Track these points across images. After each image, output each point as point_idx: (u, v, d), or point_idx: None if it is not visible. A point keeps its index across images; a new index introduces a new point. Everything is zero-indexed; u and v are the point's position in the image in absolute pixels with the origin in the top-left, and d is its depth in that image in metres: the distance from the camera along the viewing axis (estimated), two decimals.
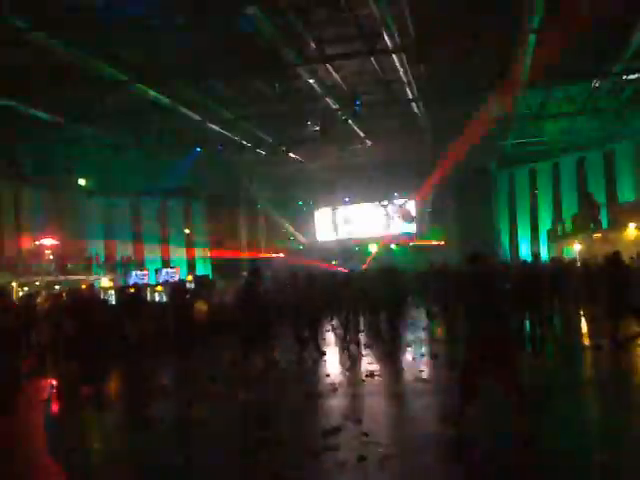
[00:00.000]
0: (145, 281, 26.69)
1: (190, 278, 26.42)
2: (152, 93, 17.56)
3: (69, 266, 25.52)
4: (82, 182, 26.86)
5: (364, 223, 34.32)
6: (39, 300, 15.76)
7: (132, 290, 17.34)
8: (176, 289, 13.17)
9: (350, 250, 32.40)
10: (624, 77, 19.79)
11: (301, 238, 34.74)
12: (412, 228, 33.78)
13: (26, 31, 13.12)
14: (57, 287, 23.63)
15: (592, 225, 22.21)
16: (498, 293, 6.26)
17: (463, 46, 16.15)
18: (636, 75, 19.62)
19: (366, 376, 9.25)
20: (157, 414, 7.86)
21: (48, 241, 24.76)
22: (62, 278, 24.53)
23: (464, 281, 8.36)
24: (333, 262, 30.85)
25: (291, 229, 34.36)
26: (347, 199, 34.18)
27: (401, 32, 14.83)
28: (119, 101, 18.98)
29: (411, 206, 33.84)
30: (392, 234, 33.52)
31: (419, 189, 32.22)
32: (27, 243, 24.35)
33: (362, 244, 32.84)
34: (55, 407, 9.07)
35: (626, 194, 25.52)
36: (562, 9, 14.21)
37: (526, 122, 24.54)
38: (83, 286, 23.09)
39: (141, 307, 13.85)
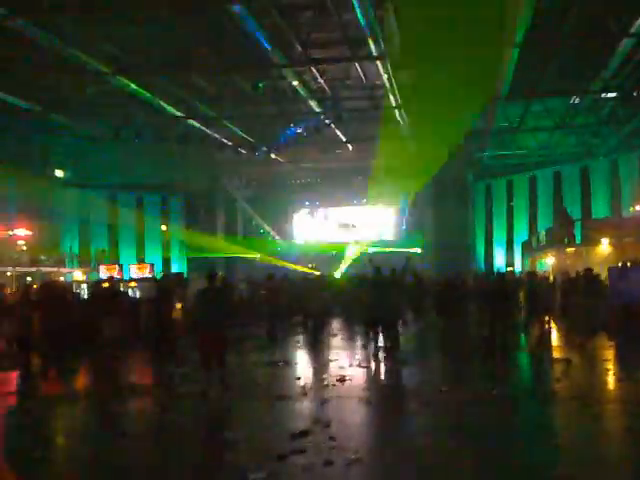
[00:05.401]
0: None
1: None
2: (133, 86, 17.42)
3: (42, 258, 25.12)
4: (58, 173, 26.51)
5: (342, 227, 34.46)
6: (8, 291, 15.50)
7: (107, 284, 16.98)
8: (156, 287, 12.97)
9: (326, 254, 32.30)
10: (602, 95, 20.17)
11: (279, 240, 34.65)
12: (390, 235, 33.98)
13: (5, 18, 12.95)
14: (29, 278, 23.27)
15: (566, 239, 22.50)
16: None
17: (447, 56, 16.32)
18: (614, 94, 20.02)
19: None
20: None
21: (21, 231, 24.35)
22: (34, 270, 24.15)
23: None
24: (309, 265, 30.71)
25: (269, 230, 34.25)
26: (326, 202, 34.32)
27: (386, 39, 14.92)
28: (99, 93, 18.80)
29: (389, 213, 34.06)
30: (369, 239, 33.66)
31: (398, 196, 32.48)
32: None
33: (339, 248, 32.75)
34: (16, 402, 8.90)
35: (600, 210, 25.96)
36: (546, 26, 14.49)
37: (505, 135, 24.83)
38: (56, 278, 22.88)
39: (118, 302, 13.40)
